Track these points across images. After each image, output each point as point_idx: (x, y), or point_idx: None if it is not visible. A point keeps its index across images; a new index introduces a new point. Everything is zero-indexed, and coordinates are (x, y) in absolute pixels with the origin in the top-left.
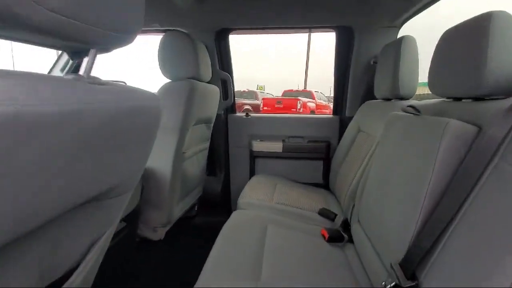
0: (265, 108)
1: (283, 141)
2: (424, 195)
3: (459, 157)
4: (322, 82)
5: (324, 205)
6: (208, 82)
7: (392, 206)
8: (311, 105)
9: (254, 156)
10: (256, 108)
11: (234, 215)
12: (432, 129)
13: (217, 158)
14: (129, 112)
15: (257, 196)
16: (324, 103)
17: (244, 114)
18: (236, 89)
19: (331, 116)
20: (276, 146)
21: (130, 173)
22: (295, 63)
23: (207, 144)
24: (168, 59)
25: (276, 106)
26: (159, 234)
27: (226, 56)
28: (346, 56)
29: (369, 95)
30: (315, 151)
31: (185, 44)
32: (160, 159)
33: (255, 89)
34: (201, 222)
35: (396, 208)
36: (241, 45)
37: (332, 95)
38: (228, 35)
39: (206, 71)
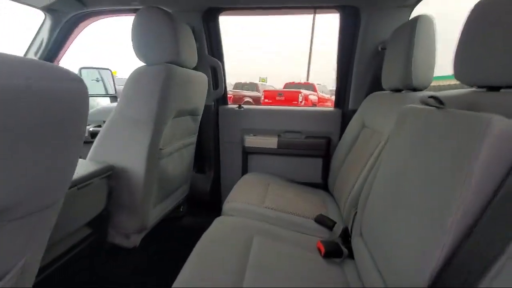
0: (266, 100)
1: (279, 136)
2: (452, 214)
3: (506, 165)
4: (325, 74)
5: (322, 210)
6: (195, 69)
7: (405, 222)
8: (313, 98)
9: (246, 152)
10: (257, 100)
11: (216, 223)
12: (467, 127)
13: (206, 153)
14: (40, 96)
15: (246, 199)
16: (326, 96)
17: (236, 106)
18: (237, 80)
19: (332, 109)
20: (271, 142)
21: (40, 186)
22: (298, 55)
23: (193, 139)
24: (142, 39)
25: (277, 98)
26: (132, 241)
27: (216, 40)
28: (351, 41)
29: (375, 85)
30: (314, 147)
31: (162, 22)
32: (131, 157)
33: (257, 81)
34: (189, 223)
35: (410, 225)
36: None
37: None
38: (218, 16)
39: (190, 55)
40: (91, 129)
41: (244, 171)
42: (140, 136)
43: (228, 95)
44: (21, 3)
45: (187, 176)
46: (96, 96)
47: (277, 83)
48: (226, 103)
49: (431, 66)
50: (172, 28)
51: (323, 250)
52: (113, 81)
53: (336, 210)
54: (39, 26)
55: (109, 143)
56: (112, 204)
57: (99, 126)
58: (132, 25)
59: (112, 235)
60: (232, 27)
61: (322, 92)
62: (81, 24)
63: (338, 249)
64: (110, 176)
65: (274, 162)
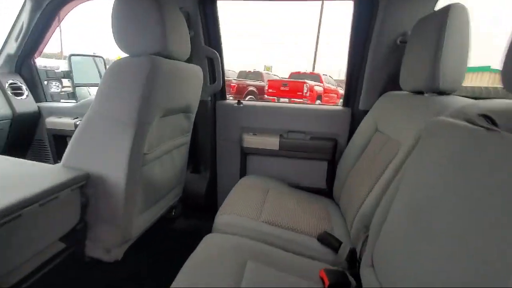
0: (270, 90)
1: (281, 136)
2: None
3: None
4: (331, 65)
5: (326, 225)
6: (188, 61)
7: (439, 263)
8: (319, 89)
9: (245, 153)
10: (261, 90)
11: (205, 242)
12: None
13: (202, 152)
14: None
15: (241, 210)
16: (332, 87)
17: (235, 101)
18: (241, 69)
19: (340, 108)
20: (272, 142)
21: None
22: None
23: (186, 138)
24: (122, 26)
25: (282, 88)
26: (113, 255)
27: (214, 28)
28: (365, 32)
29: (391, 84)
30: (319, 150)
31: (146, 6)
32: (109, 163)
33: (262, 70)
34: (183, 226)
35: (448, 268)
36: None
37: (341, 78)
38: (216, 1)
39: (181, 45)
40: (78, 123)
41: (242, 172)
42: (120, 139)
43: (232, 84)
44: None
45: (179, 178)
46: (86, 86)
47: (282, 73)
48: (224, 98)
49: (463, 65)
50: (159, 13)
51: (327, 281)
52: (105, 68)
53: (341, 224)
54: (19, 9)
55: (85, 146)
56: (89, 215)
57: None
58: (112, 9)
59: (90, 248)
60: (229, 14)
61: (329, 83)
62: (65, 7)
63: (344, 281)
64: (84, 185)
65: (275, 164)
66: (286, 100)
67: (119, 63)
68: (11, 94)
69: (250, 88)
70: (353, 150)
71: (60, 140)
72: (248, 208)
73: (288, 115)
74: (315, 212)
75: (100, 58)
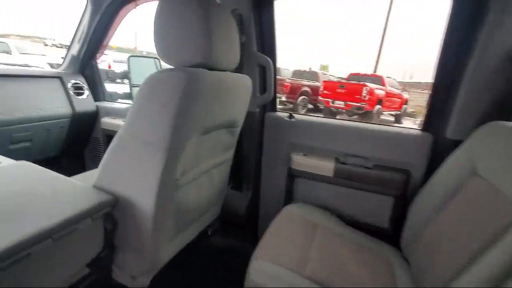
0: (325, 92)
1: (336, 160)
2: None
3: None
4: (393, 64)
5: (388, 285)
6: (238, 69)
7: None
8: (380, 92)
9: (293, 175)
10: (315, 91)
11: None
12: None
13: (245, 168)
14: None
15: (282, 254)
16: (396, 91)
17: (287, 114)
18: (295, 68)
19: (418, 132)
20: (326, 167)
21: None
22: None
23: (229, 155)
24: (163, 33)
25: (338, 90)
26: (140, 282)
27: (269, 32)
28: (467, 37)
29: (497, 110)
30: (385, 182)
31: (189, 8)
32: (138, 188)
33: (317, 70)
34: (219, 243)
35: None
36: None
37: (407, 80)
38: (273, 1)
39: (230, 54)
40: None
41: (288, 196)
42: (150, 163)
43: (285, 84)
44: None
45: (218, 198)
46: None
47: (340, 74)
48: (275, 110)
49: None
50: (204, 18)
51: None
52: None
53: None
54: (82, 12)
55: (115, 167)
56: (117, 239)
57: None
58: (155, 14)
59: (117, 274)
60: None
61: (392, 86)
62: (124, 8)
63: None
64: (110, 212)
65: (327, 192)
66: (342, 103)
67: (153, 77)
68: (72, 94)
69: (304, 89)
70: (438, 191)
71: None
72: (290, 252)
73: (348, 135)
74: (375, 269)
75: (157, 60)
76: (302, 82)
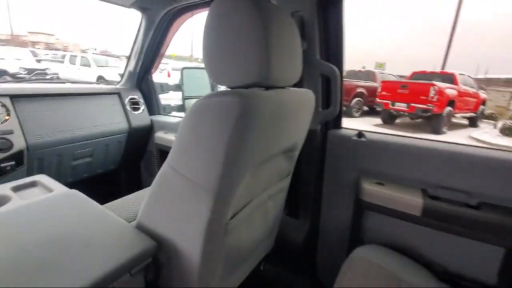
0: (383, 93)
1: (424, 193)
2: None
3: None
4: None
5: None
6: (296, 82)
7: None
8: (451, 92)
9: (362, 208)
10: (372, 92)
11: None
12: None
13: (304, 194)
14: None
15: None
16: (471, 89)
17: (356, 133)
18: (349, 68)
19: None
20: (410, 202)
21: None
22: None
23: (286, 182)
24: (211, 48)
25: (399, 91)
26: None
27: (336, 37)
28: None
29: None
30: (494, 228)
31: (242, 17)
32: (184, 231)
33: (373, 69)
34: (271, 275)
35: None
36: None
37: (484, 76)
38: (341, 1)
39: (291, 67)
40: None
41: (355, 232)
42: (196, 205)
43: None
44: (110, 2)
45: (273, 229)
46: (195, 98)
47: (400, 71)
48: (339, 127)
49: None
50: (261, 26)
51: None
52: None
53: None
54: (137, 29)
55: (158, 206)
56: (161, 281)
57: None
58: (204, 25)
59: None
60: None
61: (465, 84)
62: (177, 21)
63: None
64: (150, 264)
65: (410, 233)
66: (404, 105)
67: (201, 104)
68: (129, 109)
69: (359, 90)
70: None
71: (165, 154)
72: None
73: (442, 160)
74: None
75: None
76: (357, 83)
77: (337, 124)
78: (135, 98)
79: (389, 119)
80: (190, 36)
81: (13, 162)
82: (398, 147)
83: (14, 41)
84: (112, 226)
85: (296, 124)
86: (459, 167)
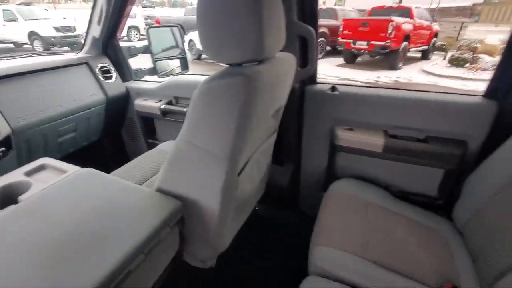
0: (345, 32)
1: (385, 133)
2: None
3: None
4: None
5: (449, 268)
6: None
7: None
8: (407, 27)
9: (336, 151)
10: (334, 31)
11: None
12: None
13: (286, 144)
14: None
15: (342, 239)
16: (425, 22)
17: (329, 87)
18: None
19: (479, 99)
20: (373, 142)
21: None
22: None
23: (274, 137)
24: (207, 22)
25: (360, 29)
26: (208, 264)
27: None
28: None
29: None
30: (439, 155)
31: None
32: (203, 191)
33: (333, 5)
34: (262, 213)
35: None
36: None
37: (437, 6)
38: None
39: (278, 37)
40: (162, 107)
41: (330, 172)
42: (213, 170)
43: None
44: None
45: (265, 177)
46: (165, 59)
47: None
48: (315, 82)
49: None
50: (253, 3)
51: None
52: (182, 39)
53: (468, 266)
54: None
55: (177, 172)
56: (186, 232)
57: (170, 103)
58: (197, 5)
59: (187, 258)
60: None
61: (421, 18)
62: None
63: None
64: (181, 217)
65: (373, 166)
66: (364, 43)
67: (208, 85)
68: (102, 79)
69: (321, 30)
70: (503, 168)
71: (148, 121)
72: (349, 236)
73: (398, 105)
74: (432, 245)
75: (176, 27)
76: (319, 22)
77: (313, 80)
78: (105, 66)
79: (351, 58)
80: None
81: (4, 148)
82: (364, 97)
83: None
84: (136, 193)
85: (284, 86)
86: (412, 110)
